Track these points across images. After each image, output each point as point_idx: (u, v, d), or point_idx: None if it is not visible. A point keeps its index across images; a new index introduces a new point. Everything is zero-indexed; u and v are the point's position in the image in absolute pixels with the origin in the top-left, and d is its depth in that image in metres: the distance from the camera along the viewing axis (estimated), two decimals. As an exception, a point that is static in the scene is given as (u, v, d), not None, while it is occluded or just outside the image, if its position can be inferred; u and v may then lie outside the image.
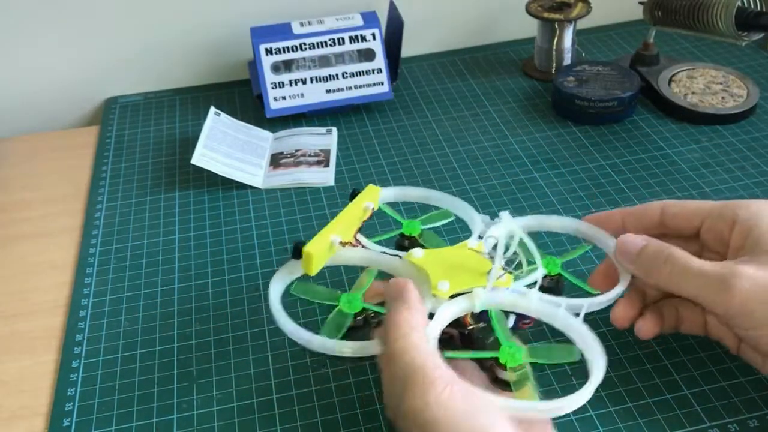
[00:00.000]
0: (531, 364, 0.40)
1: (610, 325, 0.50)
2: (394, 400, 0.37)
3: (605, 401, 0.45)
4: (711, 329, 0.45)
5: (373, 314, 0.44)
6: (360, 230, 0.48)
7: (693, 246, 0.45)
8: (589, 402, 0.45)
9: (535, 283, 0.44)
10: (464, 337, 0.44)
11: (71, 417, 0.47)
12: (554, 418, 0.44)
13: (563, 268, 0.47)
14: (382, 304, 0.43)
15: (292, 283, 0.45)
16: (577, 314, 0.43)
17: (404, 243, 0.51)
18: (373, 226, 0.57)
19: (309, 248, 0.43)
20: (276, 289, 0.44)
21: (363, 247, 0.47)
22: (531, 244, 0.44)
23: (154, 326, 0.53)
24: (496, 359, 0.40)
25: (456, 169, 0.66)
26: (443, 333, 0.43)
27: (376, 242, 0.50)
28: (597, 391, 0.45)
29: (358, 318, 0.43)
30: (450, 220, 0.52)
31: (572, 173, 0.64)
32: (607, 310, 0.50)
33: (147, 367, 0.50)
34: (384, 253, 0.47)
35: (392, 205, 0.53)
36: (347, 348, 0.41)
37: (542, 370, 0.46)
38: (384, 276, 0.47)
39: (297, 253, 0.44)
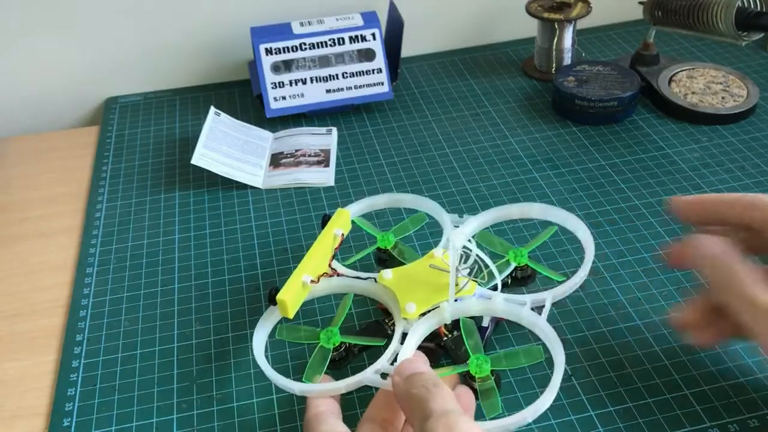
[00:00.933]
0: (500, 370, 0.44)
1: (609, 325, 0.50)
2: None
3: (605, 401, 0.45)
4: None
5: (354, 345, 0.48)
6: (335, 257, 0.50)
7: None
8: (589, 402, 0.45)
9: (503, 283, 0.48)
10: (441, 348, 0.47)
11: (71, 417, 0.47)
12: (554, 420, 0.44)
13: (530, 257, 0.50)
14: (365, 335, 0.48)
15: (277, 324, 0.48)
16: (541, 307, 0.46)
17: (382, 256, 0.54)
18: (348, 245, 0.57)
19: (282, 296, 0.45)
20: (260, 337, 0.47)
21: (338, 274, 0.50)
22: (483, 254, 0.46)
23: (154, 326, 0.53)
24: (468, 371, 0.43)
25: (456, 169, 0.66)
26: (423, 348, 0.45)
27: (353, 263, 0.52)
28: (597, 391, 0.46)
29: (339, 350, 0.47)
30: (422, 225, 0.55)
31: (572, 173, 0.64)
32: (602, 311, 0.50)
33: (147, 367, 0.50)
34: (357, 277, 0.49)
35: (368, 216, 0.56)
36: (326, 388, 0.44)
37: (507, 377, 0.46)
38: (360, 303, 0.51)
39: (273, 300, 0.46)
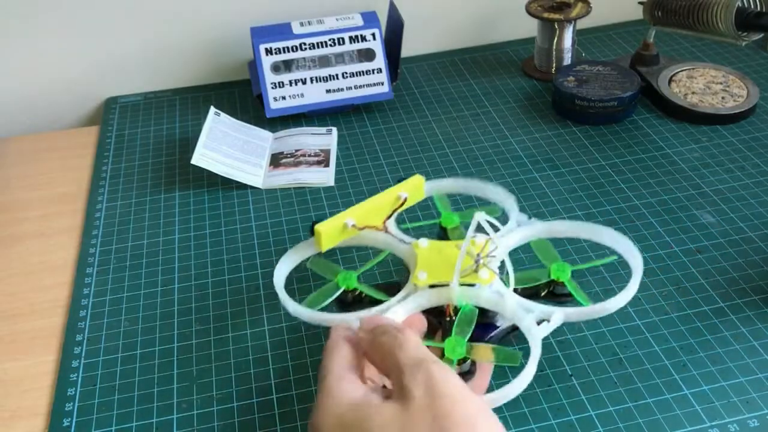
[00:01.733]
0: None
1: (609, 325, 0.50)
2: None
3: (605, 401, 0.45)
4: None
5: (365, 295, 0.47)
6: (393, 217, 0.50)
7: None
8: (589, 402, 0.45)
9: (540, 287, 0.47)
10: (438, 325, 0.46)
11: (71, 417, 0.47)
12: (554, 420, 0.44)
13: (573, 276, 0.47)
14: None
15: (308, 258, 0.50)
16: (542, 321, 0.43)
17: (440, 233, 0.53)
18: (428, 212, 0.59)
19: (318, 227, 0.48)
20: (286, 264, 0.49)
21: (387, 232, 0.50)
22: (505, 254, 0.46)
23: (154, 326, 0.53)
24: (443, 350, 0.42)
25: (456, 169, 0.66)
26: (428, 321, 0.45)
27: (414, 227, 0.54)
28: (597, 391, 0.46)
29: (353, 294, 0.48)
30: (496, 215, 0.51)
31: (572, 173, 0.64)
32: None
33: (147, 367, 0.50)
34: (402, 240, 0.49)
35: (451, 195, 0.56)
36: (325, 317, 0.45)
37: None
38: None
39: (313, 230, 0.48)
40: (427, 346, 0.41)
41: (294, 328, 0.52)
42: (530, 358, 0.40)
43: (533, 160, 0.67)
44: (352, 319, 0.43)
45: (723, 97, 0.71)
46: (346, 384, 0.36)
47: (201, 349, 0.51)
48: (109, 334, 0.52)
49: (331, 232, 0.48)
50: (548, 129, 0.71)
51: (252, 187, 0.66)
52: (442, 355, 0.41)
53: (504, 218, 0.51)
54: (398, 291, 0.47)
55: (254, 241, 0.60)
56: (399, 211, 0.51)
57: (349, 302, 0.48)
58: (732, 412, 0.44)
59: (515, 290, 0.46)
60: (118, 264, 0.59)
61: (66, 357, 0.51)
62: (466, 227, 0.45)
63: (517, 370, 0.40)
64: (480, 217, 0.43)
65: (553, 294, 0.48)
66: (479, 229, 0.44)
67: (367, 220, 0.49)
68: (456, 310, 0.45)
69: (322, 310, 0.46)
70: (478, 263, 0.45)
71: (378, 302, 0.46)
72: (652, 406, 0.45)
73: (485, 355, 0.42)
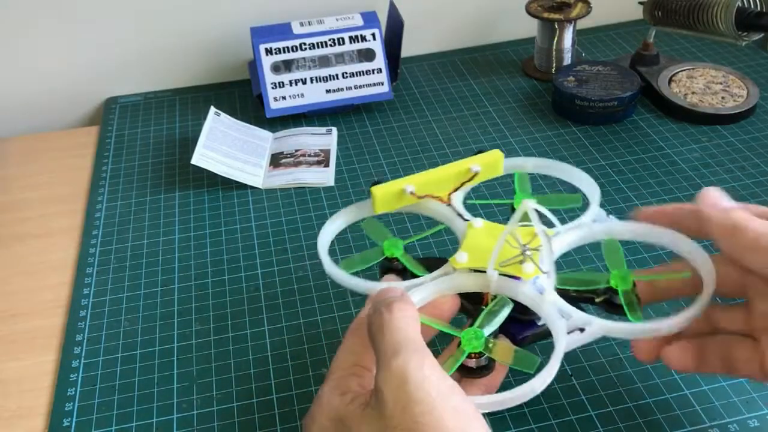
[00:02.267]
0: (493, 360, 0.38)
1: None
2: None
3: (605, 401, 0.45)
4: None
5: (405, 266, 0.44)
6: (461, 190, 0.46)
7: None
8: (589, 402, 0.45)
9: (596, 293, 0.41)
10: (473, 312, 0.42)
11: (71, 417, 0.47)
12: (554, 420, 0.44)
13: (634, 288, 0.41)
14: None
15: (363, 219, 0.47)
16: (582, 330, 0.39)
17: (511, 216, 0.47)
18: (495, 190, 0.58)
19: (374, 189, 0.45)
20: (335, 223, 0.46)
21: (450, 206, 0.46)
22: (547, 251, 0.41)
23: (154, 326, 0.53)
24: (460, 340, 0.38)
25: (456, 169, 0.66)
26: (462, 306, 0.42)
27: (483, 204, 0.50)
28: (597, 391, 0.46)
29: (394, 263, 0.44)
30: (575, 205, 0.48)
31: (572, 173, 0.64)
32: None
33: (147, 367, 0.50)
34: (461, 216, 0.45)
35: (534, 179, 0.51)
36: (353, 282, 0.42)
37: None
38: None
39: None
40: (444, 332, 0.38)
41: (294, 328, 0.52)
42: (545, 369, 0.37)
43: (533, 160, 0.67)
44: (378, 287, 0.40)
45: (723, 97, 0.71)
46: (336, 393, 0.34)
47: (201, 349, 0.51)
48: (109, 334, 0.52)
49: (387, 195, 0.45)
50: (548, 129, 0.71)
51: (252, 187, 0.66)
52: (458, 345, 0.38)
53: (581, 210, 0.46)
54: (439, 266, 0.43)
55: (254, 241, 0.60)
56: (469, 185, 0.47)
57: (394, 271, 0.44)
58: (732, 412, 0.44)
59: (567, 293, 0.41)
60: (118, 264, 0.59)
61: (66, 357, 0.51)
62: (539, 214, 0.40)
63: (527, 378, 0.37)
64: (528, 205, 0.39)
65: (610, 304, 0.41)
66: (526, 218, 0.40)
67: (432, 189, 0.45)
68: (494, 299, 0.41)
69: (361, 274, 0.43)
70: (524, 254, 0.41)
71: (415, 276, 0.43)
72: (652, 406, 0.45)
73: (503, 354, 0.38)
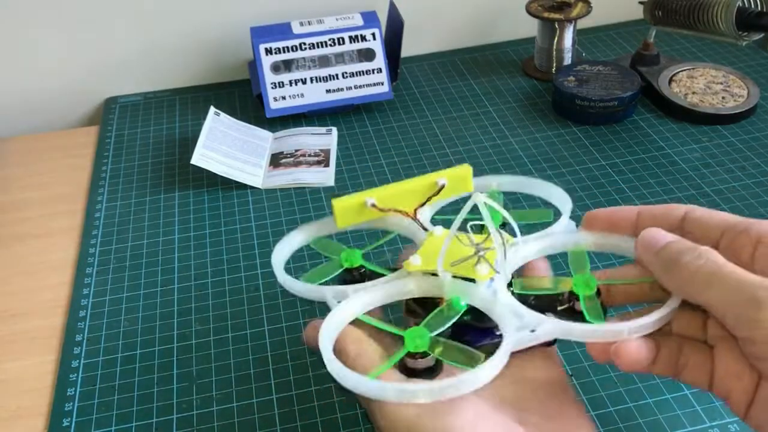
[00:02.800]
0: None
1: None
2: None
3: (606, 402, 0.45)
4: (718, 381, 0.35)
5: (371, 272, 0.43)
6: (427, 205, 0.45)
7: None
8: (589, 402, 0.45)
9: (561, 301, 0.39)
10: (418, 315, 0.41)
11: (71, 417, 0.47)
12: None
13: (598, 294, 0.39)
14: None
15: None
16: (533, 330, 0.37)
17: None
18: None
19: (335, 202, 0.43)
20: (294, 239, 0.45)
21: (415, 219, 0.44)
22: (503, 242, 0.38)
23: (153, 326, 0.53)
24: (402, 339, 0.37)
25: (456, 169, 0.66)
26: (412, 313, 0.41)
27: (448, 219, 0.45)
28: (597, 391, 0.46)
29: (358, 272, 0.43)
30: (546, 220, 0.45)
31: (572, 173, 0.64)
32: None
33: (147, 367, 0.50)
34: (423, 228, 0.44)
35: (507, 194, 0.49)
36: (312, 292, 0.41)
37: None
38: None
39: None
40: (386, 331, 0.38)
41: (294, 328, 0.52)
42: (490, 359, 0.34)
43: (533, 160, 0.67)
44: (344, 291, 0.40)
45: (723, 97, 0.71)
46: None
47: (201, 350, 0.51)
48: (108, 334, 0.52)
49: (348, 208, 0.43)
50: (548, 129, 0.71)
51: (252, 187, 0.65)
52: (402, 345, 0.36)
53: (551, 222, 0.44)
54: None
55: (254, 241, 0.60)
56: (436, 199, 0.45)
57: (355, 281, 0.43)
58: (732, 413, 0.44)
59: (527, 299, 0.39)
60: (117, 264, 0.59)
61: (66, 357, 0.51)
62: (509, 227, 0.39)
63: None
64: (478, 198, 0.37)
65: (572, 311, 0.39)
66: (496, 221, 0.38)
67: (396, 203, 0.44)
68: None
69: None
70: (478, 255, 0.38)
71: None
72: (653, 406, 0.45)
73: (449, 354, 0.36)
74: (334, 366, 0.35)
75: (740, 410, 0.34)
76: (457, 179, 0.45)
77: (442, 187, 0.44)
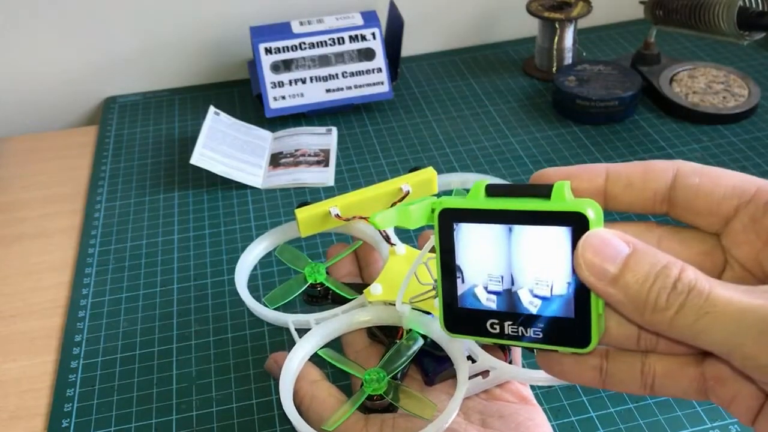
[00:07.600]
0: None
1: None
2: None
3: (606, 402, 0.45)
4: (716, 389, 0.27)
5: (330, 290, 0.44)
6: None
7: (701, 245, 0.29)
8: (590, 403, 0.45)
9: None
10: (380, 344, 0.43)
11: (70, 417, 0.47)
12: (554, 421, 0.44)
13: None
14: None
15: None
16: (486, 373, 0.39)
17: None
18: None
19: (298, 212, 0.43)
20: (259, 247, 0.46)
21: (380, 232, 0.45)
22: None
23: (153, 327, 0.53)
24: (363, 381, 0.39)
25: (456, 169, 0.66)
26: (378, 331, 0.42)
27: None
28: (598, 392, 0.45)
29: (322, 288, 0.44)
30: None
31: (573, 173, 0.64)
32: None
33: (146, 368, 0.50)
34: (388, 240, 0.45)
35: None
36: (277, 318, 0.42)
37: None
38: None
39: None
40: (347, 372, 0.40)
41: (294, 328, 0.51)
42: (443, 413, 0.36)
43: (534, 159, 0.66)
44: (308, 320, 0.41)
45: (724, 97, 0.70)
46: None
47: (200, 350, 0.50)
48: (108, 334, 0.52)
49: (311, 218, 0.43)
50: (549, 129, 0.71)
51: (251, 187, 0.65)
52: (360, 386, 0.38)
53: None
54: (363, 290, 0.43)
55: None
56: (400, 205, 0.44)
57: (319, 297, 0.44)
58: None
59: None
60: (117, 264, 0.58)
61: (65, 357, 0.51)
62: None
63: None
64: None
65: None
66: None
67: (360, 210, 0.44)
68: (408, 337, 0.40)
69: (288, 305, 0.44)
70: (435, 289, 0.39)
71: (344, 301, 0.42)
72: (653, 407, 0.44)
73: (404, 400, 0.38)
74: (294, 419, 0.37)
75: (748, 419, 0.27)
76: (421, 184, 0.45)
77: (407, 193, 0.44)
